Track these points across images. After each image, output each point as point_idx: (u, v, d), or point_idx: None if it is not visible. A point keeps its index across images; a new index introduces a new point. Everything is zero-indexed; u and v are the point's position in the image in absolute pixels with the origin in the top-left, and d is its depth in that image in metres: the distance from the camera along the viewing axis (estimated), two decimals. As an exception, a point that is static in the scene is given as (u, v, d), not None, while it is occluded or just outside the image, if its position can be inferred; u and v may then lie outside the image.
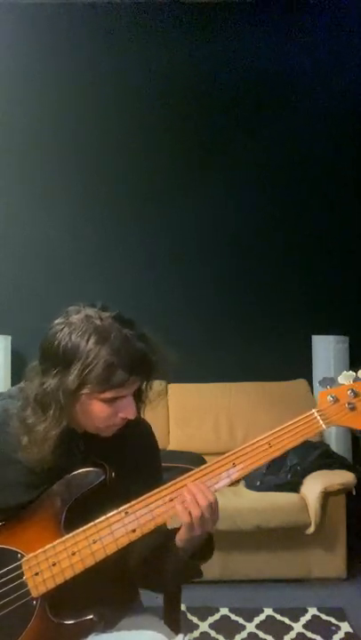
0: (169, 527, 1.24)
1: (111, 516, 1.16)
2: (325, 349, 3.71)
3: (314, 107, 4.01)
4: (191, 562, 1.24)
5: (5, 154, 3.94)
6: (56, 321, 1.17)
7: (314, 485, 2.98)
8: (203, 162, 4.00)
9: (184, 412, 3.59)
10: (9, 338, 3.65)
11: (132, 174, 3.97)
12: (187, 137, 3.99)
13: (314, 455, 3.16)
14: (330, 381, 1.24)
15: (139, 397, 1.24)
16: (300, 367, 3.79)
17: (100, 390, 1.13)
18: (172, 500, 1.17)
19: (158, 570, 1.27)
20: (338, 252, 3.99)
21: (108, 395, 1.14)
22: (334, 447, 3.41)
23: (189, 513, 1.14)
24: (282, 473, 3.15)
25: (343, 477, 2.99)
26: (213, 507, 1.16)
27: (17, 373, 3.59)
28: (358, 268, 3.98)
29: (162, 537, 1.23)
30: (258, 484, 3.15)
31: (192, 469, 1.20)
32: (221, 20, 3.99)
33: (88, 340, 1.11)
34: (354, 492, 2.98)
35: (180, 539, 1.19)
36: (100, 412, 1.17)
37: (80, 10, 3.95)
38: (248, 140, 4.00)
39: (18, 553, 1.17)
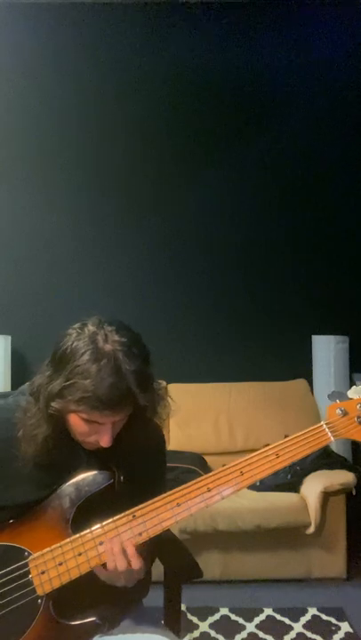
0: None
1: (119, 519, 1.17)
2: (325, 349, 3.71)
3: (315, 107, 4.01)
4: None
5: (6, 154, 3.93)
6: (75, 324, 1.18)
7: (314, 485, 2.99)
8: (203, 161, 4.00)
9: (184, 412, 3.59)
10: (9, 338, 3.64)
11: (132, 173, 3.98)
12: (188, 138, 3.99)
13: (314, 455, 3.16)
14: (339, 395, 1.26)
15: (141, 413, 1.21)
16: (300, 367, 3.79)
17: (72, 408, 1.13)
18: (179, 504, 1.17)
19: None
20: (338, 252, 4.00)
21: (83, 415, 1.14)
22: (334, 447, 3.41)
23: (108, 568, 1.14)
24: (282, 473, 3.15)
25: (343, 477, 3.00)
26: (134, 572, 1.14)
27: (17, 373, 3.59)
28: (358, 268, 3.98)
29: None
30: (258, 483, 3.15)
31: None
32: (222, 20, 3.99)
33: (82, 355, 1.11)
34: (354, 492, 2.98)
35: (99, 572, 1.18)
36: (76, 426, 1.17)
37: (80, 10, 3.95)
38: (249, 141, 4.01)
39: (25, 551, 1.18)
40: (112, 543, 1.14)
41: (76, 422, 1.16)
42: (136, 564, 1.14)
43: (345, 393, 1.26)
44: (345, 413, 1.23)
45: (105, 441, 1.16)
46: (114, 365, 1.10)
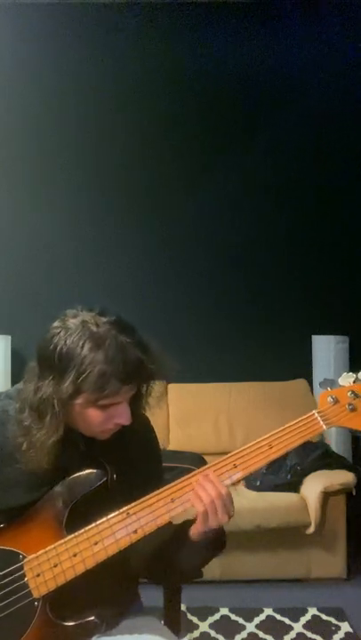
0: (185, 519, 1.25)
1: (113, 517, 1.16)
2: (325, 349, 3.71)
3: (315, 109, 4.00)
4: (206, 553, 1.26)
5: (5, 154, 3.93)
6: (53, 324, 1.17)
7: (314, 485, 2.99)
8: (203, 163, 4.00)
9: (184, 412, 3.59)
10: (9, 338, 3.64)
11: (132, 174, 3.98)
12: (187, 139, 3.99)
13: (314, 455, 3.16)
14: (330, 383, 1.25)
15: (138, 400, 1.24)
16: (300, 367, 3.79)
17: (93, 399, 1.13)
18: (173, 500, 1.17)
19: (170, 564, 1.27)
20: (338, 253, 3.99)
21: (102, 402, 1.14)
22: (334, 447, 3.41)
23: (202, 502, 1.15)
24: (282, 473, 3.15)
25: (343, 477, 3.00)
26: (225, 497, 1.16)
27: (17, 373, 3.59)
28: (359, 268, 3.98)
29: (172, 530, 1.24)
30: (258, 483, 3.15)
31: (193, 469, 1.20)
32: (222, 20, 3.99)
33: (83, 347, 1.11)
34: (354, 492, 2.98)
35: (194, 532, 1.19)
36: (94, 418, 1.17)
37: (80, 10, 3.94)
38: (249, 140, 4.00)
39: (19, 554, 1.18)
40: (181, 493, 1.17)
41: (94, 414, 1.16)
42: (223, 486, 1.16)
43: (336, 380, 1.26)
44: (336, 401, 1.23)
45: (127, 417, 1.17)
46: (116, 343, 1.11)
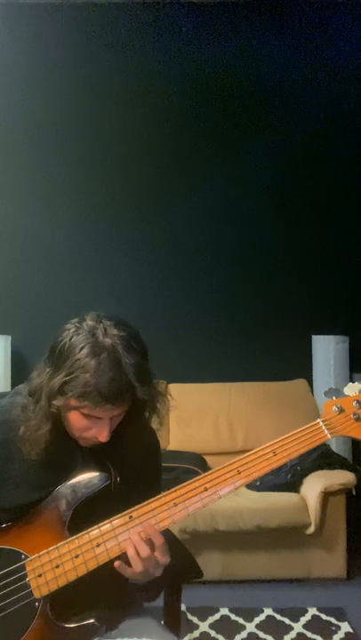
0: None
1: (115, 520, 1.17)
2: (325, 349, 3.71)
3: (316, 111, 4.00)
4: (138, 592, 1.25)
5: (6, 155, 3.93)
6: (72, 320, 1.17)
7: (314, 485, 2.99)
8: (204, 162, 4.00)
9: (184, 412, 3.59)
10: (9, 338, 3.64)
11: (132, 174, 3.97)
12: (188, 140, 3.99)
13: (314, 455, 3.16)
14: (335, 392, 1.26)
15: (138, 414, 1.22)
16: (300, 367, 3.79)
17: (74, 405, 1.13)
18: (176, 505, 1.17)
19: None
20: (338, 252, 3.99)
21: (84, 410, 1.14)
22: (334, 447, 3.41)
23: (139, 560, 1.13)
24: (282, 473, 3.15)
25: (343, 477, 2.99)
26: (155, 558, 1.14)
27: (17, 373, 3.59)
28: (358, 267, 3.98)
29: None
30: (258, 484, 3.15)
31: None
32: (222, 20, 3.98)
33: (81, 350, 1.10)
34: (354, 492, 2.98)
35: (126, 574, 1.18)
36: (75, 422, 1.17)
37: (80, 10, 3.94)
38: (249, 143, 4.00)
39: (22, 554, 1.18)
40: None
41: (75, 418, 1.16)
42: (162, 556, 1.13)
43: (341, 390, 1.26)
44: (341, 410, 1.23)
45: (104, 436, 1.16)
46: (114, 359, 1.10)
